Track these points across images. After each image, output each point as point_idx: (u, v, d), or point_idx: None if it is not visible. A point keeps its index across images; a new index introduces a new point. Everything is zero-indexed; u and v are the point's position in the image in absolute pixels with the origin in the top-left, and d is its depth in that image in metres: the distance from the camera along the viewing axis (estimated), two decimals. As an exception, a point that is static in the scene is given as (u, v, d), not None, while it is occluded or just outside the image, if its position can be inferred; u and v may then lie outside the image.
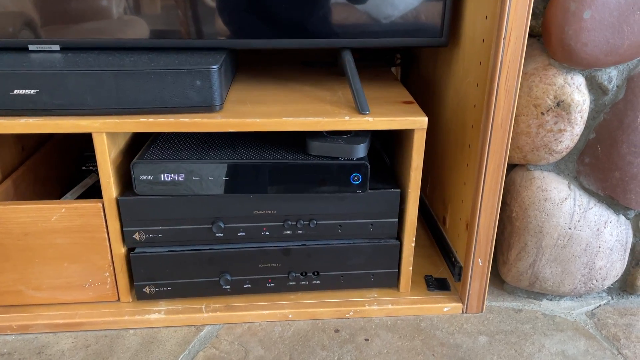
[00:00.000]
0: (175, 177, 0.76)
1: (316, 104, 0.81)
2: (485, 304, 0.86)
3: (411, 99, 0.85)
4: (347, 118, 0.75)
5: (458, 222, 0.88)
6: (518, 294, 0.91)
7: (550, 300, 0.90)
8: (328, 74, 0.98)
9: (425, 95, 1.03)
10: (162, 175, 0.76)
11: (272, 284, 0.85)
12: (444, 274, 0.93)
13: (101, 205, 0.77)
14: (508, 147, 0.75)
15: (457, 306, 0.86)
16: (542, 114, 0.77)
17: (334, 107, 0.79)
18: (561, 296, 0.89)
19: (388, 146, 0.96)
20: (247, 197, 0.79)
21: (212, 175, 0.76)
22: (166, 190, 0.77)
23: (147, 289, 0.83)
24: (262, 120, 0.74)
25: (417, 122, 0.76)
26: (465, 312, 0.86)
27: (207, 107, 0.75)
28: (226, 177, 0.77)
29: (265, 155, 0.79)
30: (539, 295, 0.90)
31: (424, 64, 1.05)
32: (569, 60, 0.74)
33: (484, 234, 0.81)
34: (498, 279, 0.94)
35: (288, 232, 0.82)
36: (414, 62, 1.12)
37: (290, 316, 0.84)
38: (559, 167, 0.83)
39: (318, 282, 0.86)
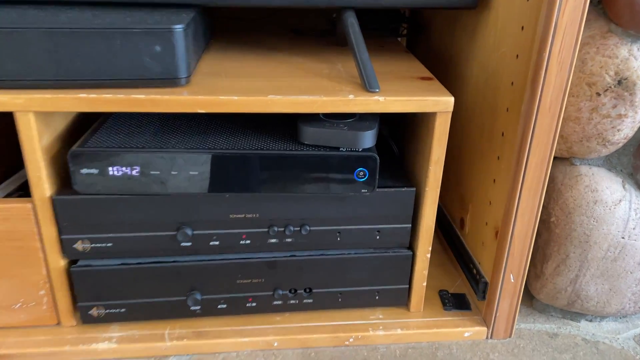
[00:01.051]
0: (128, 170, 0.59)
1: (311, 78, 0.64)
2: (514, 327, 0.70)
3: (429, 74, 0.68)
4: (351, 97, 0.58)
5: (483, 227, 0.72)
6: (551, 313, 0.75)
7: (590, 321, 0.74)
8: (325, 45, 0.80)
9: (439, 72, 0.86)
10: (110, 168, 0.59)
11: (254, 304, 0.68)
12: (461, 288, 0.77)
13: (31, 206, 0.60)
14: (557, 136, 0.58)
15: (480, 330, 0.70)
16: (598, 94, 0.61)
17: (333, 83, 0.62)
18: (603, 316, 0.74)
19: (397, 133, 0.79)
20: (222, 196, 0.62)
21: (176, 168, 0.59)
22: (116, 187, 0.60)
23: (94, 311, 0.65)
24: (240, 99, 0.57)
25: (440, 104, 0.59)
26: (491, 338, 0.71)
27: (170, 80, 0.58)
28: (194, 171, 0.59)
29: (246, 144, 0.61)
30: (576, 315, 0.74)
31: (437, 34, 0.88)
32: (638, 26, 0.57)
33: (519, 244, 0.65)
34: (526, 294, 0.79)
35: (274, 240, 0.65)
36: (423, 33, 0.95)
37: (275, 344, 0.67)
38: (610, 162, 0.67)
39: (311, 301, 0.69)
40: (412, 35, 1.01)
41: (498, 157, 0.66)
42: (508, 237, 0.64)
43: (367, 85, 0.60)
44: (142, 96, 0.56)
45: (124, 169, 0.59)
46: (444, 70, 0.84)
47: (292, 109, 0.58)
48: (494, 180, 0.68)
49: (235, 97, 0.57)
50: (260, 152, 0.59)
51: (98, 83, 0.56)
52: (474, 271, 0.74)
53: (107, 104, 0.56)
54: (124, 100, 0.56)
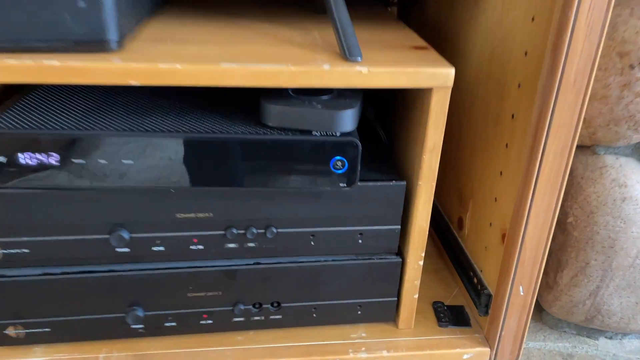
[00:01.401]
0: (44, 158, 0.47)
1: (278, 46, 0.51)
2: (522, 346, 0.59)
3: (424, 43, 0.56)
4: (326, 67, 0.46)
5: (486, 228, 0.60)
6: (564, 329, 0.64)
7: (610, 338, 0.63)
8: (301, 12, 0.68)
9: (435, 46, 0.74)
10: (21, 155, 0.46)
11: (209, 322, 0.56)
12: (459, 299, 0.66)
13: None
14: (582, 117, 0.47)
15: (482, 352, 0.59)
16: (631, 67, 0.49)
17: (305, 52, 0.50)
18: (625, 334, 0.63)
19: (384, 115, 0.68)
20: (165, 192, 0.50)
21: (106, 156, 0.47)
22: (31, 179, 0.47)
23: (11, 331, 0.53)
24: (185, 68, 0.44)
25: (437, 77, 0.48)
26: (495, 359, 0.59)
27: (96, 43, 0.45)
28: (128, 159, 0.47)
29: (196, 125, 0.49)
30: (594, 332, 0.63)
31: (433, 2, 0.76)
32: (686, -20, 0.46)
33: (531, 250, 0.53)
34: (535, 306, 0.67)
35: (232, 245, 0.53)
36: (417, 2, 0.83)
37: (236, 370, 0.56)
38: (640, 151, 0.55)
39: (279, 317, 0.58)
40: (403, 4, 0.89)
41: (506, 145, 0.55)
42: (518, 242, 0.53)
43: (347, 52, 0.48)
44: (56, 63, 0.43)
45: (38, 156, 0.46)
46: (441, 44, 0.72)
47: (251, 82, 0.46)
48: (501, 172, 0.56)
49: (179, 66, 0.45)
50: (213, 136, 0.47)
51: (3, 47, 0.44)
52: (475, 280, 0.62)
53: (12, 73, 0.43)
54: (33, 69, 0.43)
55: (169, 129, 0.48)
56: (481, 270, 0.61)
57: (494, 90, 0.57)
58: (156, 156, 0.47)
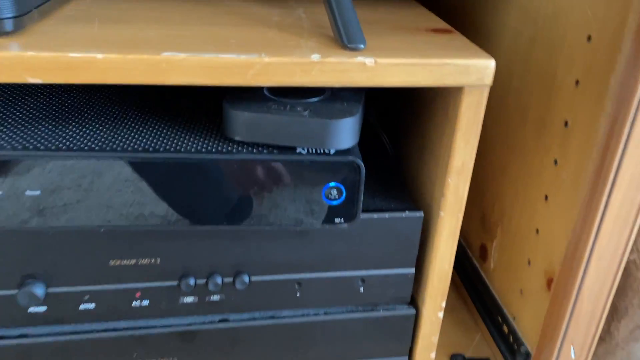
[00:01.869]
0: None
1: (248, 27, 0.37)
2: (566, 416, 0.46)
3: (445, 24, 0.42)
4: (315, 57, 0.32)
5: (522, 266, 0.47)
6: (614, 387, 0.51)
7: (672, 398, 0.50)
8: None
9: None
10: None
11: (162, 397, 0.43)
12: (482, 348, 0.52)
13: None
14: (674, 129, 0.33)
15: None
16: None
17: (286, 36, 0.36)
18: (691, 392, 0.50)
19: (389, 118, 0.54)
20: (93, 232, 0.36)
21: (10, 184, 0.33)
22: None
23: None
24: (108, 58, 0.30)
25: (471, 70, 0.34)
26: None
27: (-21, 23, 0.31)
28: (34, 189, 0.33)
29: (133, 139, 0.35)
30: (653, 390, 0.50)
31: (445, -21, 0.62)
32: None
33: (589, 302, 0.40)
34: None
35: (190, 298, 0.39)
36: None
37: None
38: None
39: (255, 386, 0.44)
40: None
41: (555, 161, 0.41)
42: (572, 292, 0.40)
43: (344, 37, 0.34)
44: None
45: None
46: (457, 26, 0.58)
47: (206, 79, 0.32)
48: (546, 197, 0.42)
49: (100, 56, 0.30)
50: (157, 156, 0.33)
51: None
52: (505, 329, 0.49)
53: None
54: None
55: (93, 145, 0.34)
56: (514, 318, 0.48)
57: (537, 88, 0.43)
58: (75, 183, 0.33)
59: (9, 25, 0.32)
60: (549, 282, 0.43)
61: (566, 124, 0.39)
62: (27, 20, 0.33)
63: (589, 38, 0.37)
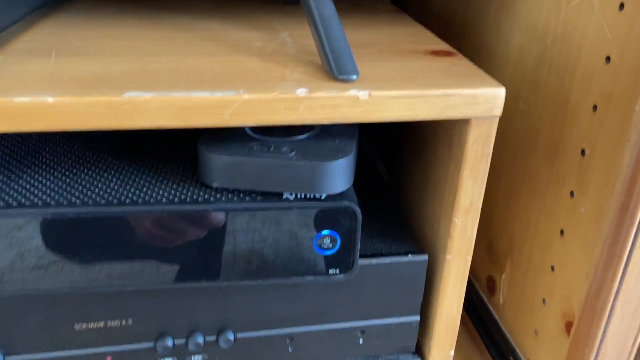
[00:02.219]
0: None
1: (228, 57, 0.33)
2: None
3: (446, 45, 0.38)
4: (300, 92, 0.28)
5: (536, 305, 0.43)
6: None
7: None
8: (260, 3, 0.50)
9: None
10: None
11: None
12: (493, 389, 0.48)
13: None
14: None
15: None
16: None
17: (269, 65, 0.32)
18: None
19: (385, 146, 0.50)
20: (56, 293, 0.32)
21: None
22: None
23: None
24: (61, 102, 0.26)
25: (479, 101, 0.30)
26: None
27: None
28: (-18, 253, 0.29)
29: (101, 189, 0.31)
30: None
31: (440, -10, 0.58)
32: None
33: (613, 349, 0.36)
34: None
35: (169, 361, 0.35)
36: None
37: None
38: None
39: None
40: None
41: (571, 193, 0.37)
42: (596, 339, 0.36)
43: (334, 68, 0.30)
44: None
45: None
46: (455, 45, 0.54)
47: (177, 121, 0.28)
48: (562, 231, 0.38)
49: (51, 99, 0.26)
50: (123, 210, 0.29)
51: None
52: (519, 372, 0.45)
53: None
54: None
55: (49, 199, 0.29)
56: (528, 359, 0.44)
57: (548, 111, 0.39)
58: (31, 242, 0.29)
59: (-53, 65, 0.28)
60: (568, 326, 0.39)
61: (583, 152, 0.36)
62: (-30, 57, 0.29)
63: (608, 59, 0.33)
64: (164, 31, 0.38)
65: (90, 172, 0.33)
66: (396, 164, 0.46)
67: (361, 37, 0.39)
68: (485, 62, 0.47)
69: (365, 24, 0.43)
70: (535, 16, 0.40)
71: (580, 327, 0.37)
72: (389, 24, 0.43)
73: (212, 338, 0.35)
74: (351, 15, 0.45)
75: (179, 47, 0.35)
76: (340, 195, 0.31)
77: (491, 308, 0.50)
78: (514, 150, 0.44)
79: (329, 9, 0.31)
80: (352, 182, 0.31)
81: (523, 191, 0.43)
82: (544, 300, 0.41)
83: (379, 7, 0.49)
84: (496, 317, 0.49)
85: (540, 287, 0.42)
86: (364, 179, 0.45)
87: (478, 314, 0.52)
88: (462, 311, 0.55)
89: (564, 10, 0.37)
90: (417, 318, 0.37)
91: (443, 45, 0.38)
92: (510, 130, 0.44)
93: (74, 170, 0.33)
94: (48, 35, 0.36)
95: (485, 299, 0.51)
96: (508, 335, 0.47)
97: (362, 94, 0.29)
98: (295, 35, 0.39)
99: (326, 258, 0.32)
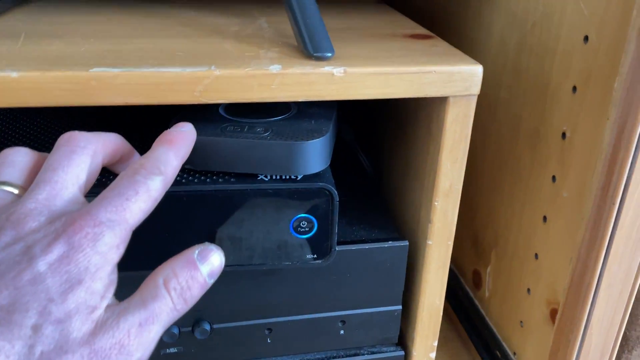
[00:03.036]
0: None
1: (202, 39, 0.33)
2: None
3: (424, 30, 0.38)
4: (274, 69, 0.27)
5: (521, 295, 0.42)
6: (627, 422, 0.46)
7: None
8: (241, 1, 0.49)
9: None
10: None
11: None
12: (480, 385, 0.47)
13: None
14: (689, 137, 0.29)
15: None
16: None
17: (243, 46, 0.31)
18: None
19: (367, 137, 0.49)
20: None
21: None
22: None
23: None
24: (25, 77, 0.25)
25: (456, 78, 0.30)
26: None
27: None
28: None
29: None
30: None
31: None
32: None
33: (599, 335, 0.35)
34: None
35: (143, 353, 0.34)
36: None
37: None
38: None
39: None
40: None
41: (553, 178, 0.37)
42: (581, 324, 0.35)
43: (309, 46, 0.29)
44: None
45: None
46: (439, 35, 0.54)
47: (145, 98, 0.27)
48: (545, 217, 0.38)
49: (14, 74, 0.25)
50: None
51: None
52: (505, 365, 0.44)
53: None
54: None
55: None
56: (514, 353, 0.43)
57: (529, 97, 0.39)
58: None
59: None
60: (553, 313, 0.38)
61: (564, 135, 0.35)
62: None
63: (586, 39, 0.32)
64: (139, 17, 0.38)
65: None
66: (378, 154, 0.46)
67: (339, 23, 0.39)
68: (467, 52, 0.47)
69: (345, 13, 0.42)
70: (515, 3, 0.39)
71: (565, 314, 0.36)
72: (369, 12, 0.43)
73: (187, 329, 0.34)
74: (332, 7, 0.45)
75: (154, 31, 0.34)
76: (317, 177, 0.30)
77: (477, 302, 0.49)
78: (497, 140, 0.44)
79: (304, -11, 0.30)
80: (328, 163, 0.31)
81: (507, 180, 0.43)
82: (528, 290, 0.41)
83: (359, 2, 0.49)
84: (482, 311, 0.48)
85: (525, 277, 0.41)
86: (346, 170, 0.44)
87: (464, 309, 0.51)
88: (449, 307, 0.54)
89: (542, -6, 0.36)
90: (399, 307, 0.37)
91: (422, 30, 0.37)
92: (493, 119, 0.44)
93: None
94: (19, 21, 0.36)
95: (471, 293, 0.51)
96: (494, 329, 0.46)
97: (337, 71, 0.28)
98: (273, 22, 0.38)
99: (303, 242, 0.31)
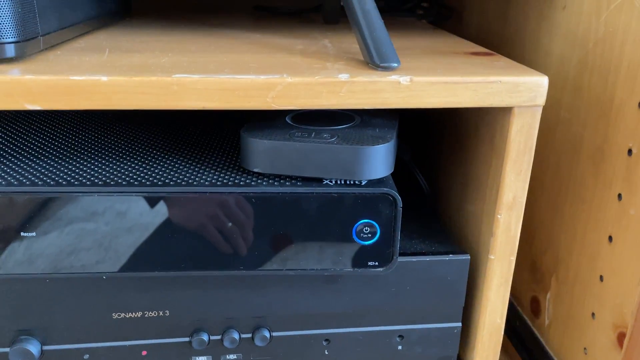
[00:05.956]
0: None
1: (271, 55, 0.34)
2: None
3: (485, 49, 0.39)
4: (343, 77, 0.28)
5: (585, 320, 0.40)
6: None
7: None
8: (302, 22, 0.51)
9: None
10: None
11: None
12: (540, 418, 0.45)
13: None
14: None
15: None
16: None
17: (311, 60, 0.33)
18: None
19: (424, 159, 0.50)
20: (95, 280, 0.32)
21: (4, 224, 0.29)
22: None
23: None
24: (113, 81, 0.27)
25: (521, 88, 0.30)
26: None
27: (-20, 47, 0.29)
28: (32, 230, 0.29)
29: (145, 172, 0.31)
30: None
31: (476, 16, 0.59)
32: None
33: (673, 362, 0.34)
34: None
35: (203, 358, 0.35)
36: (453, 16, 0.66)
37: None
38: None
39: None
40: (434, 18, 0.72)
41: (619, 196, 0.36)
42: (653, 349, 0.33)
43: (375, 56, 0.30)
44: None
45: None
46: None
47: (223, 102, 0.28)
48: (610, 237, 0.37)
49: (104, 79, 0.27)
50: (166, 190, 0.29)
51: None
52: (569, 396, 0.42)
53: None
54: None
55: (95, 179, 0.30)
56: (579, 383, 0.41)
57: (591, 115, 0.38)
58: (75, 223, 0.29)
59: (10, 50, 0.29)
60: (620, 337, 0.36)
61: (630, 152, 0.35)
62: (30, 47, 0.31)
63: (654, 53, 0.32)
64: (210, 38, 0.40)
65: (137, 157, 0.33)
66: (434, 173, 0.46)
67: (400, 43, 0.40)
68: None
69: (405, 35, 0.44)
70: (575, 23, 0.40)
71: (634, 336, 0.35)
72: (429, 35, 0.44)
73: (248, 335, 0.34)
74: (391, 30, 0.46)
75: (225, 48, 0.36)
76: (380, 183, 0.31)
77: (535, 331, 0.48)
78: (557, 161, 0.43)
79: (370, 3, 0.32)
80: (392, 170, 0.31)
81: (568, 202, 0.42)
82: (593, 314, 0.39)
83: (417, 24, 0.50)
84: (541, 340, 0.47)
85: (589, 301, 0.40)
86: (403, 189, 0.44)
87: (521, 339, 0.49)
88: (505, 338, 0.53)
89: (605, 12, 0.37)
90: (459, 324, 0.36)
91: (482, 49, 0.38)
92: (552, 141, 0.44)
93: (124, 155, 0.34)
94: (102, 40, 0.38)
95: (529, 322, 0.49)
96: (554, 357, 0.44)
97: (404, 79, 0.29)
98: (335, 42, 0.40)
99: (365, 248, 0.31)
